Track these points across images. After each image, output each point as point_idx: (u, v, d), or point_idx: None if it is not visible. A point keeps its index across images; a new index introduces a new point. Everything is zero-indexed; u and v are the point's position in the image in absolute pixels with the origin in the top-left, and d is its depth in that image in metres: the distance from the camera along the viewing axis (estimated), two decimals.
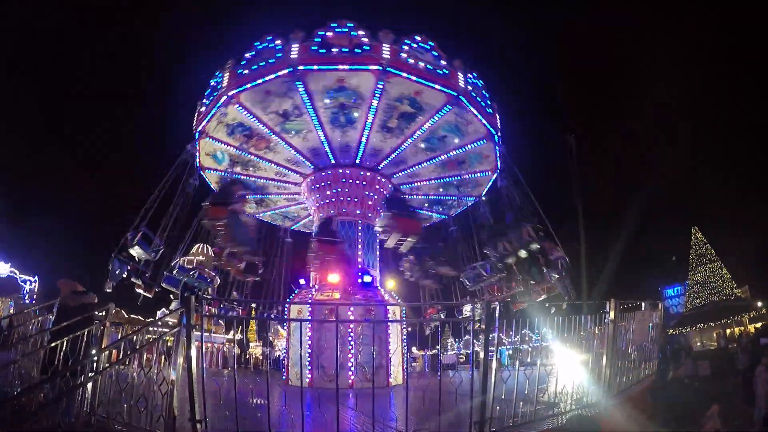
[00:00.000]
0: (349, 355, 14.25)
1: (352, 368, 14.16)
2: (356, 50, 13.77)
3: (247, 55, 14.66)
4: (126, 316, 28.50)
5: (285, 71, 13.64)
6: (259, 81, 14.03)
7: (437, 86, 14.25)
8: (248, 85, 14.19)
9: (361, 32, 14.02)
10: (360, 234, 17.42)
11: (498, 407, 5.88)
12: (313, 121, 14.99)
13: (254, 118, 15.05)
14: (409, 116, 15.10)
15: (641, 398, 7.81)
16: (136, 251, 14.96)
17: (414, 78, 13.91)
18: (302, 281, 17.21)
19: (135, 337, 7.52)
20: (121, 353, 6.85)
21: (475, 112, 15.13)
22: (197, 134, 16.09)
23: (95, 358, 6.78)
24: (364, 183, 17.08)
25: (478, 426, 5.38)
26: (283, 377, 14.91)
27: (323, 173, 17.14)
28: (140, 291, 15.80)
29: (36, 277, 31.48)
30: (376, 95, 14.17)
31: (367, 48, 13.79)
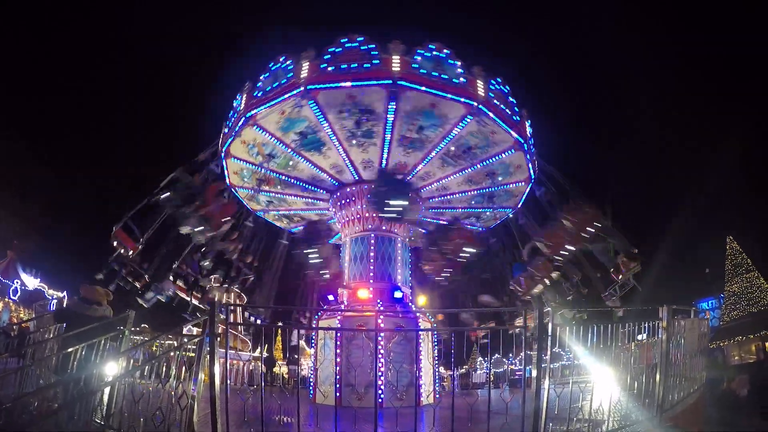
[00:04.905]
0: (379, 373, 13.83)
1: (382, 386, 13.73)
2: (365, 65, 13.15)
3: (262, 76, 14.54)
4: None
5: (295, 91, 13.32)
6: (273, 102, 13.81)
7: (453, 96, 13.35)
8: (263, 107, 14.00)
9: (371, 45, 13.39)
10: (392, 249, 17.14)
11: (551, 424, 5.82)
12: (331, 138, 14.62)
13: (273, 138, 14.92)
14: (429, 129, 14.29)
15: (693, 413, 7.46)
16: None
17: (426, 89, 13.11)
18: (331, 297, 16.97)
19: (154, 347, 7.33)
20: (140, 362, 6.67)
21: (499, 121, 14.03)
22: (222, 156, 16.27)
23: (111, 366, 6.68)
24: None
25: None
26: (310, 395, 14.82)
27: (348, 189, 16.85)
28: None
29: (65, 293, 32.09)
30: (390, 109, 13.51)
31: (377, 62, 13.12)
